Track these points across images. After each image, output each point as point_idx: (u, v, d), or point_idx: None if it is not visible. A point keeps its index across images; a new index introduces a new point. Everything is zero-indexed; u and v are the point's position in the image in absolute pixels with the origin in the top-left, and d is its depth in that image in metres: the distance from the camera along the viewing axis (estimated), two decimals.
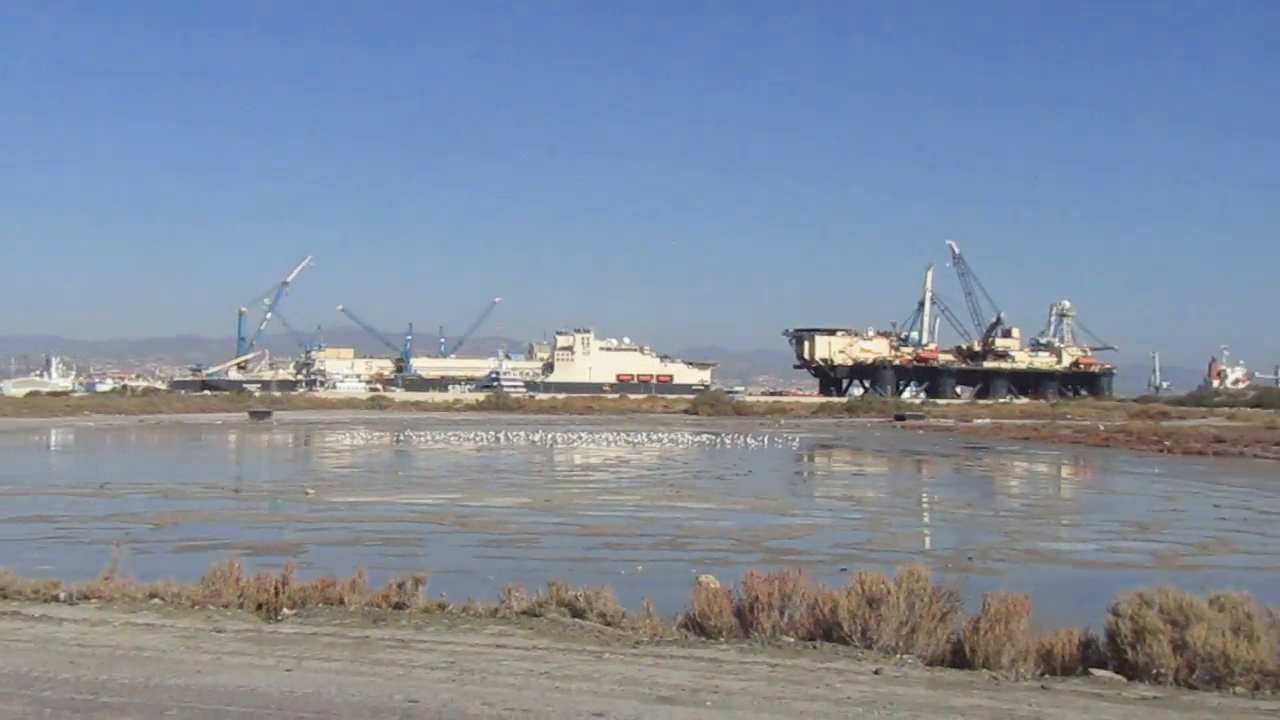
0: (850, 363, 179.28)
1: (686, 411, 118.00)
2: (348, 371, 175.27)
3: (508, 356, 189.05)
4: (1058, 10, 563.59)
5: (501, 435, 67.21)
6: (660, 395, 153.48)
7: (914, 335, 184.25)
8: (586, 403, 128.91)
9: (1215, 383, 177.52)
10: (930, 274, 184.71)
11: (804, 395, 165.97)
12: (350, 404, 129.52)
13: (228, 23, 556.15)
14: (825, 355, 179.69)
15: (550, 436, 67.87)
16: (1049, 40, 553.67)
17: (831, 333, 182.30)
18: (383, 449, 57.12)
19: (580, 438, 67.03)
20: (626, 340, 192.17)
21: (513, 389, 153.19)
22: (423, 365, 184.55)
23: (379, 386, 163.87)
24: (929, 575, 9.62)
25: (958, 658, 8.81)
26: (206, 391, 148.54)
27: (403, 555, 18.05)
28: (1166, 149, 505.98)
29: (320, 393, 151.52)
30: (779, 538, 21.64)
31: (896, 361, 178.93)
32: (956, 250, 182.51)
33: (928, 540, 23.11)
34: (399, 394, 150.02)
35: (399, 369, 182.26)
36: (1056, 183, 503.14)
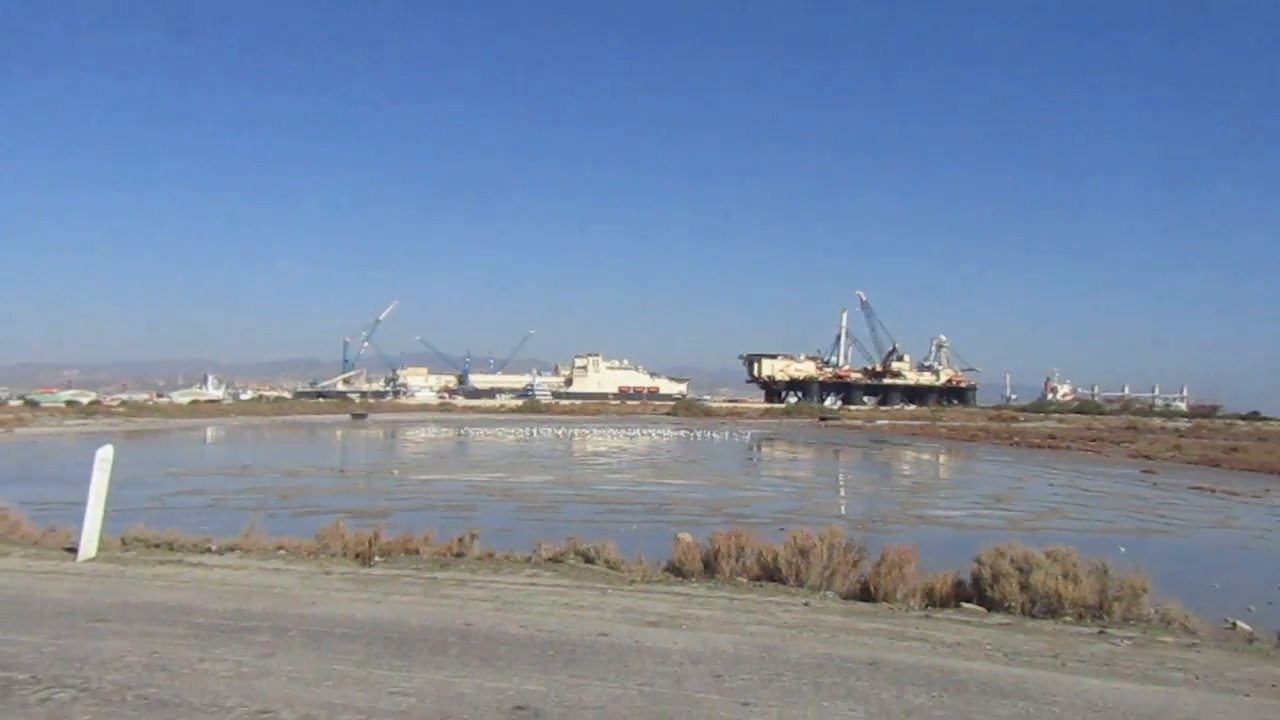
0: (788, 378, 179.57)
1: (669, 414, 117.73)
2: (423, 384, 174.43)
3: (539, 373, 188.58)
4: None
5: (534, 431, 67.02)
6: (650, 402, 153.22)
7: (834, 359, 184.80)
8: (597, 407, 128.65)
9: (1050, 395, 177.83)
10: (845, 315, 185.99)
11: (754, 403, 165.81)
12: (424, 408, 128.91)
13: (341, 93, 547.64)
14: (770, 373, 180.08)
15: (570, 432, 67.66)
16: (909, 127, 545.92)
17: (774, 356, 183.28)
18: (448, 441, 56.95)
19: (591, 433, 66.82)
20: (625, 361, 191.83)
21: (543, 397, 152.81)
22: (478, 380, 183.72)
23: (446, 395, 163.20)
24: (844, 533, 9.63)
25: (865, 594, 8.82)
26: (320, 399, 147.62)
27: (462, 518, 17.98)
28: (1017, 214, 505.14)
29: (402, 400, 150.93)
30: (736, 505, 21.57)
31: (821, 378, 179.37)
32: (864, 298, 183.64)
33: (843, 507, 23.08)
34: (460, 401, 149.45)
35: (460, 382, 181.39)
36: (940, 240, 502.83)
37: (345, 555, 10.63)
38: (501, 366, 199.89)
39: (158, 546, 10.93)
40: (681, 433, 68.96)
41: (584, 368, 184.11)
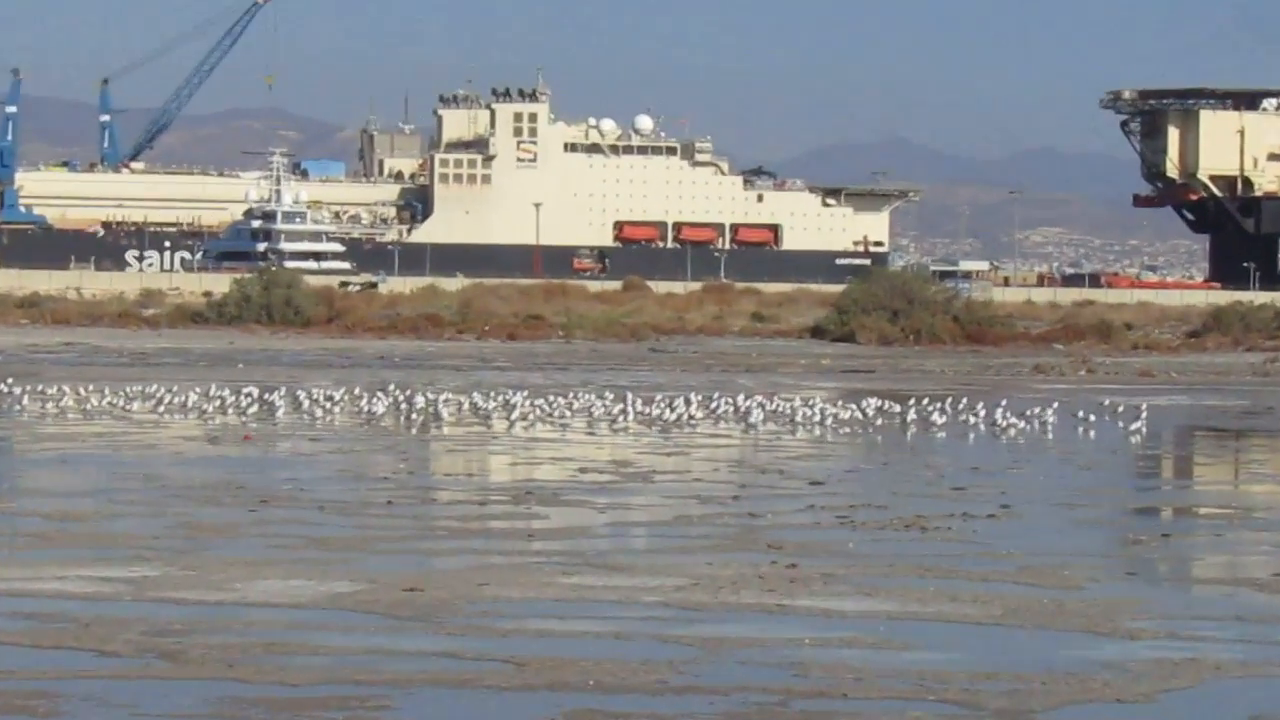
0: None
1: (814, 333, 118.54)
2: None
3: (298, 168, 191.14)
4: None
5: (278, 396, 67.94)
6: (737, 283, 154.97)
7: None
8: (526, 301, 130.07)
9: None
10: None
11: (1160, 284, 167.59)
12: None
13: None
14: (1214, 164, 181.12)
15: (425, 401, 68.40)
16: None
17: (1241, 101, 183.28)
18: None
19: (511, 404, 67.50)
20: (645, 126, 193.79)
21: (316, 261, 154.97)
22: (47, 189, 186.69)
23: None
24: None
25: None
26: None
27: None
28: None
29: None
30: (1091, 699, 21.60)
31: None
32: None
33: None
34: None
35: None
36: None
37: None
38: (152, 139, 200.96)
39: None
40: (869, 407, 69.45)
41: (480, 146, 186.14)
